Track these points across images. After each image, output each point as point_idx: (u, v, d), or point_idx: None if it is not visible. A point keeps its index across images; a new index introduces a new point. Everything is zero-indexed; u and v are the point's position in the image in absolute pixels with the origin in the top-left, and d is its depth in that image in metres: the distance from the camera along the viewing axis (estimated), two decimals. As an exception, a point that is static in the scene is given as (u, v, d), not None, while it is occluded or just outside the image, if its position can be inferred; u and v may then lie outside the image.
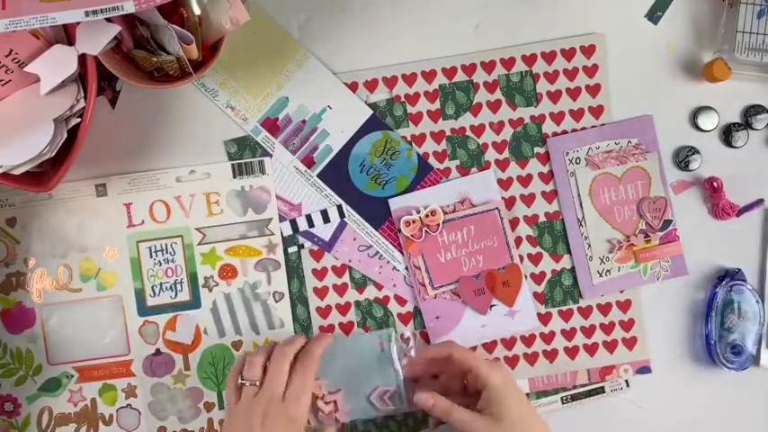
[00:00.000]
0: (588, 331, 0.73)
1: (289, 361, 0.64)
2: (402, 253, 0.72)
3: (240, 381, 0.64)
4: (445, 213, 0.72)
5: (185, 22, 0.63)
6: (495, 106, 0.73)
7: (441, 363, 0.67)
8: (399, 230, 0.72)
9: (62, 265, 0.72)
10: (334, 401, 0.68)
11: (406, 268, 0.72)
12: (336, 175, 0.72)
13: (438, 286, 0.72)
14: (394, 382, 0.68)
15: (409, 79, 0.72)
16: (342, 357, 0.69)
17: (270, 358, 0.65)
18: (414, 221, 0.72)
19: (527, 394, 0.73)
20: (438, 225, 0.72)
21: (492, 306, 0.72)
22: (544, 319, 0.73)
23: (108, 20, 0.60)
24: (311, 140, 0.72)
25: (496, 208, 0.72)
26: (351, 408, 0.68)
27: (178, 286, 0.72)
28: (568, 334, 0.73)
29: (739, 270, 0.72)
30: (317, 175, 0.72)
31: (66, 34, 0.64)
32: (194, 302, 0.72)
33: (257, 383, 0.63)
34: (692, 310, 0.73)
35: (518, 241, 0.73)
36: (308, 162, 0.72)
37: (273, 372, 0.62)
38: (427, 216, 0.72)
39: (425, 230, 0.72)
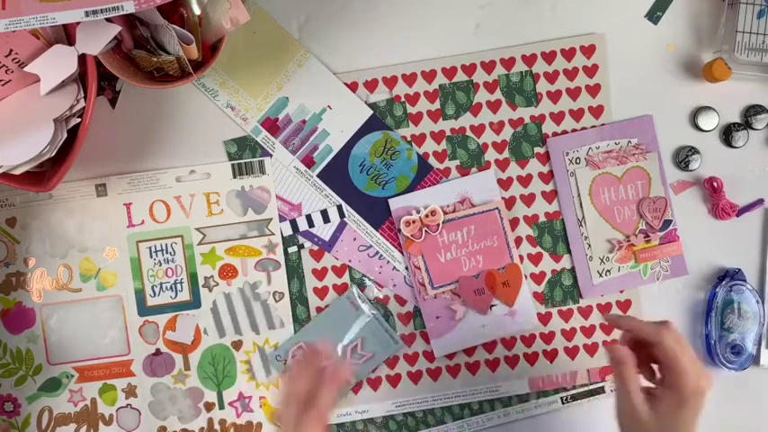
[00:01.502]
0: (588, 331, 0.73)
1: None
2: (402, 253, 0.72)
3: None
4: (445, 213, 0.72)
5: (185, 22, 0.63)
6: (495, 106, 0.73)
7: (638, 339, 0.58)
8: (399, 230, 0.72)
9: (62, 265, 0.72)
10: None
11: (406, 268, 0.72)
12: (336, 175, 0.72)
13: (438, 286, 0.72)
14: (376, 325, 0.72)
15: (409, 79, 0.72)
16: (327, 330, 0.71)
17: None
18: (414, 221, 0.71)
19: (527, 394, 0.73)
20: (438, 225, 0.72)
21: (492, 306, 0.72)
22: (544, 319, 0.73)
23: (108, 20, 0.60)
24: (311, 140, 0.72)
25: (496, 208, 0.72)
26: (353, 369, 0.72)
27: (178, 286, 0.72)
28: (568, 334, 0.73)
29: (739, 270, 0.72)
30: (317, 175, 0.72)
31: (66, 34, 0.64)
32: (194, 302, 0.72)
33: None
34: (692, 310, 0.73)
35: (518, 241, 0.73)
36: (308, 162, 0.72)
37: None
38: (427, 216, 0.71)
39: (425, 230, 0.72)
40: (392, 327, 0.73)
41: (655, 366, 0.57)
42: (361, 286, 0.73)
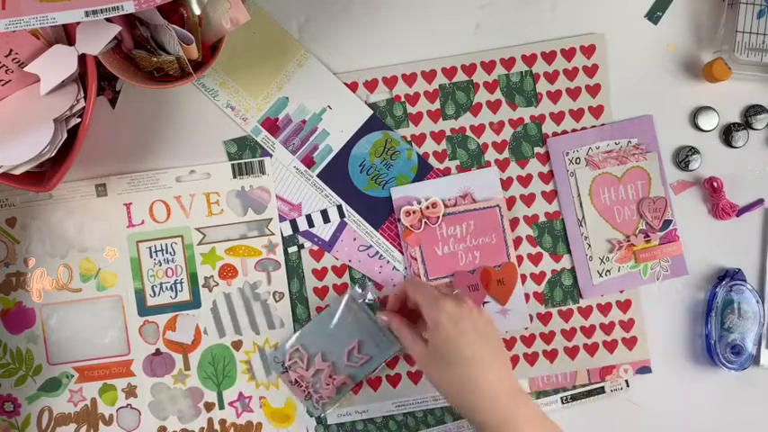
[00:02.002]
0: (588, 331, 0.73)
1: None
2: (402, 253, 0.72)
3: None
4: (446, 207, 0.72)
5: (185, 22, 0.63)
6: (495, 106, 0.73)
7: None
8: (399, 220, 0.72)
9: (62, 265, 0.72)
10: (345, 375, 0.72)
11: (405, 268, 0.72)
12: (336, 175, 0.72)
13: (433, 278, 0.72)
14: (375, 330, 0.71)
15: (409, 79, 0.73)
16: (326, 331, 0.71)
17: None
18: (414, 212, 0.71)
19: (527, 394, 0.72)
20: (438, 217, 0.72)
21: (485, 303, 0.72)
22: (544, 319, 0.73)
23: (108, 20, 0.60)
24: (311, 140, 0.72)
25: (497, 205, 0.72)
26: (350, 373, 0.71)
27: (178, 286, 0.72)
28: (568, 334, 0.73)
29: (739, 270, 0.72)
30: (317, 175, 0.72)
31: (66, 34, 0.64)
32: (194, 302, 0.72)
33: None
34: (692, 310, 0.73)
35: (518, 241, 0.73)
36: (308, 162, 0.72)
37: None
38: (428, 208, 0.72)
39: (425, 222, 0.72)
40: None
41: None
42: (362, 287, 0.73)
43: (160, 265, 0.72)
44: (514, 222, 0.73)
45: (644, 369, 0.73)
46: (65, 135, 0.63)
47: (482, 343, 0.61)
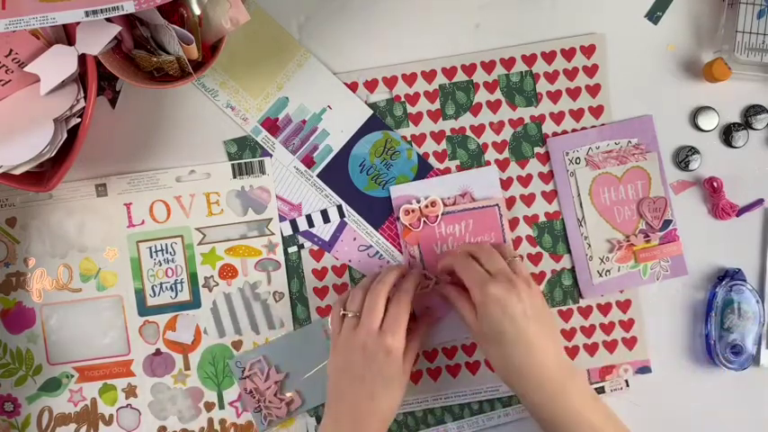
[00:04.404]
0: (588, 331, 0.73)
1: (384, 295, 0.64)
2: (401, 252, 0.72)
3: (342, 311, 0.66)
4: (445, 205, 0.72)
5: (185, 22, 0.63)
6: (495, 106, 0.73)
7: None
8: (398, 218, 0.72)
9: (62, 265, 0.72)
10: (296, 392, 0.70)
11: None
12: (336, 175, 0.72)
13: (431, 277, 0.72)
14: None
15: (409, 79, 0.73)
16: (294, 348, 0.71)
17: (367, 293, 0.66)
18: (413, 211, 0.72)
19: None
20: (437, 216, 0.72)
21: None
22: (544, 319, 0.73)
23: (108, 20, 0.60)
24: (311, 140, 0.72)
25: (497, 204, 0.72)
26: (308, 393, 0.70)
27: (178, 286, 0.72)
28: (568, 334, 0.73)
29: (739, 270, 0.72)
30: (317, 175, 0.72)
31: (66, 34, 0.64)
32: (194, 302, 0.72)
33: (357, 315, 0.64)
34: (692, 310, 0.73)
35: (518, 241, 0.73)
36: (308, 162, 0.72)
37: (369, 305, 0.64)
38: (427, 207, 0.72)
39: (424, 221, 0.72)
40: None
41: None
42: None
43: (160, 265, 0.72)
44: (514, 222, 0.73)
45: (644, 369, 0.73)
46: (65, 135, 0.63)
47: (532, 325, 0.61)
